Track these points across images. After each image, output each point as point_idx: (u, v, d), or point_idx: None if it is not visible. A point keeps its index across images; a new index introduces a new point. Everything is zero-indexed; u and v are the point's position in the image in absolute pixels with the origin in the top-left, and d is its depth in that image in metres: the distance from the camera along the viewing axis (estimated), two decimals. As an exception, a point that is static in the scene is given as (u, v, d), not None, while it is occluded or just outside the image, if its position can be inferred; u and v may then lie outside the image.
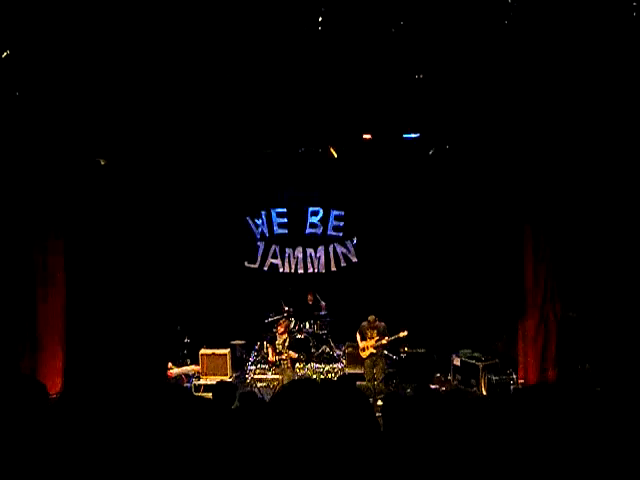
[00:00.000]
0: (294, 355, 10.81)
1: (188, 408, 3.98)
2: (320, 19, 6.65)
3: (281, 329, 10.88)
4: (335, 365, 12.57)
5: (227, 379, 11.43)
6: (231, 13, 6.60)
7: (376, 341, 10.78)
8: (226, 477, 3.19)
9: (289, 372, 10.67)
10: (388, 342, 10.86)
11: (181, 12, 6.45)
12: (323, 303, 13.24)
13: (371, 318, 10.80)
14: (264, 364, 11.66)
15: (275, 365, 10.77)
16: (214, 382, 11.22)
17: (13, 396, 3.39)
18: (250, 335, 13.08)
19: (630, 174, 9.20)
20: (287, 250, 13.73)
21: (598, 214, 9.60)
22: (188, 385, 11.34)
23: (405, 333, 10.83)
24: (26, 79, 7.61)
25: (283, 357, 10.63)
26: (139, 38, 6.96)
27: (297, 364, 11.63)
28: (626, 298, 9.24)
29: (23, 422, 3.33)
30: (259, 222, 13.65)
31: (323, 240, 13.69)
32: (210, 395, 7.16)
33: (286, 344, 10.77)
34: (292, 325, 13.08)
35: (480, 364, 11.18)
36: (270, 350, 10.91)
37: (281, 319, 11.73)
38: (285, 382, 10.48)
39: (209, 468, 3.26)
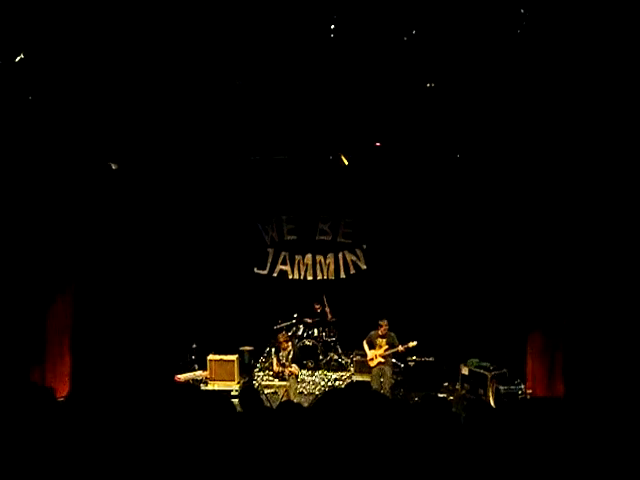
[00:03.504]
0: (296, 371, 10.82)
1: (201, 404, 4.00)
2: (332, 27, 6.67)
3: (285, 344, 10.89)
4: (343, 373, 12.54)
5: (235, 385, 11.44)
6: (245, 22, 6.63)
7: (385, 351, 10.76)
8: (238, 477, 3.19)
9: (293, 383, 10.70)
10: (398, 352, 10.86)
11: (195, 21, 6.48)
12: (330, 315, 13.17)
13: (383, 323, 10.78)
14: (268, 375, 11.62)
15: (279, 376, 10.79)
16: (222, 388, 11.36)
17: (22, 402, 3.39)
18: (258, 341, 13.09)
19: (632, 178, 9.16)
20: (297, 257, 13.73)
21: (605, 222, 9.54)
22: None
23: (414, 343, 10.81)
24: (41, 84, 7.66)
25: (286, 370, 10.68)
26: (154, 46, 7.00)
27: (300, 376, 11.54)
28: (634, 310, 9.17)
29: (31, 426, 3.34)
30: (269, 228, 13.66)
31: (333, 247, 13.68)
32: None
33: (290, 357, 10.79)
34: (300, 332, 13.08)
35: (488, 374, 11.13)
36: (275, 360, 10.93)
37: (280, 332, 11.76)
38: (290, 392, 10.51)
39: (219, 467, 3.25)
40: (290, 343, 11.22)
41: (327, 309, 13.14)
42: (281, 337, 11.05)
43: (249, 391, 6.36)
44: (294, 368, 10.74)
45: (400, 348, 10.81)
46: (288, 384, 10.65)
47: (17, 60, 6.52)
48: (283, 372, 10.80)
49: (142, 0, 6.33)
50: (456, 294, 12.44)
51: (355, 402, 1.51)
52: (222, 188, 13.01)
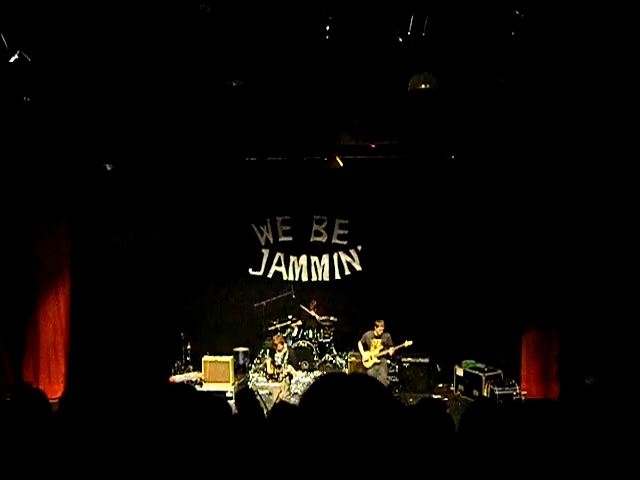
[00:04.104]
0: (294, 373, 10.79)
1: (197, 405, 3.97)
2: (327, 28, 6.67)
3: (280, 346, 10.88)
4: (338, 374, 12.50)
5: (229, 386, 11.42)
6: (241, 23, 6.63)
7: (380, 351, 10.77)
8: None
9: (287, 384, 10.70)
10: (393, 353, 10.87)
11: (190, 21, 6.48)
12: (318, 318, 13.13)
13: (379, 323, 10.78)
14: (263, 376, 11.63)
15: (273, 378, 10.77)
16: (216, 389, 11.34)
17: (15, 404, 3.38)
18: (253, 342, 13.09)
19: (630, 180, 9.20)
20: (291, 258, 13.72)
21: (604, 224, 9.58)
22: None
23: (409, 343, 10.81)
24: (35, 83, 7.65)
25: (282, 371, 10.66)
26: (148, 45, 7.00)
27: (294, 377, 11.50)
28: (631, 310, 9.21)
29: (25, 428, 3.33)
30: (264, 229, 13.65)
31: (328, 248, 13.68)
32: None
33: (285, 358, 10.78)
34: (295, 333, 13.08)
35: (483, 375, 11.15)
36: (269, 362, 10.91)
37: (275, 334, 11.76)
38: (284, 393, 10.51)
39: (215, 468, 3.25)
40: (285, 344, 11.22)
41: (315, 313, 13.12)
42: (276, 339, 11.06)
43: (246, 393, 6.35)
44: (290, 369, 10.73)
45: (391, 351, 10.81)
46: (282, 385, 10.65)
47: (12, 60, 6.50)
48: (278, 374, 10.79)
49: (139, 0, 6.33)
50: (451, 295, 12.45)
51: (349, 392, 1.48)
52: (217, 189, 12.99)
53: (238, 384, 11.76)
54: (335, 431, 1.42)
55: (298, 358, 12.01)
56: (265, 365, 11.59)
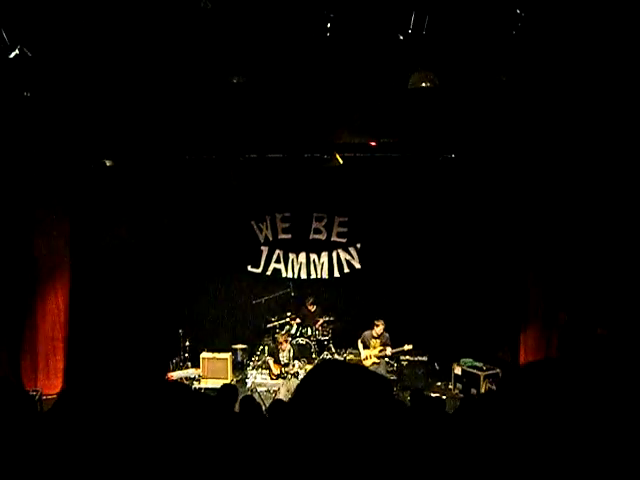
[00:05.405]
0: (306, 366, 10.69)
1: (192, 406, 3.96)
2: (328, 25, 6.65)
3: (284, 344, 10.79)
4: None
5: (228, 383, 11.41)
6: (241, 19, 6.62)
7: (379, 351, 10.78)
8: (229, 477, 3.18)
9: (294, 381, 10.60)
10: (391, 354, 10.88)
11: (188, 19, 6.47)
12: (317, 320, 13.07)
13: (379, 322, 10.78)
14: (268, 378, 11.51)
15: (281, 377, 10.62)
16: (215, 386, 11.32)
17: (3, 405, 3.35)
18: (251, 339, 13.08)
19: (630, 180, 9.21)
20: (290, 255, 13.72)
21: (602, 223, 9.58)
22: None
23: (409, 347, 10.82)
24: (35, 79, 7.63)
25: (290, 369, 10.51)
26: (149, 42, 6.98)
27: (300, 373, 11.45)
28: (630, 308, 9.21)
29: (16, 427, 3.31)
30: (263, 226, 13.64)
31: (327, 246, 13.67)
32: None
33: (291, 355, 10.70)
34: (294, 330, 13.06)
35: (481, 374, 11.15)
36: (272, 363, 10.80)
37: (274, 331, 11.70)
38: (284, 390, 10.40)
39: (212, 468, 3.24)
40: (288, 342, 11.14)
41: (312, 310, 13.09)
42: (280, 337, 10.96)
43: (228, 390, 6.28)
44: (297, 366, 10.61)
45: (386, 352, 10.82)
46: (288, 382, 10.47)
47: (12, 56, 6.48)
48: (287, 372, 10.59)
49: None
50: (450, 293, 12.45)
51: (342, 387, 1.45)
52: (217, 186, 12.96)
53: (236, 381, 11.77)
54: (331, 424, 1.41)
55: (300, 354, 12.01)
56: (264, 363, 11.53)
